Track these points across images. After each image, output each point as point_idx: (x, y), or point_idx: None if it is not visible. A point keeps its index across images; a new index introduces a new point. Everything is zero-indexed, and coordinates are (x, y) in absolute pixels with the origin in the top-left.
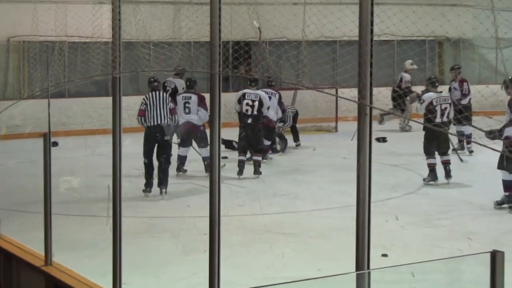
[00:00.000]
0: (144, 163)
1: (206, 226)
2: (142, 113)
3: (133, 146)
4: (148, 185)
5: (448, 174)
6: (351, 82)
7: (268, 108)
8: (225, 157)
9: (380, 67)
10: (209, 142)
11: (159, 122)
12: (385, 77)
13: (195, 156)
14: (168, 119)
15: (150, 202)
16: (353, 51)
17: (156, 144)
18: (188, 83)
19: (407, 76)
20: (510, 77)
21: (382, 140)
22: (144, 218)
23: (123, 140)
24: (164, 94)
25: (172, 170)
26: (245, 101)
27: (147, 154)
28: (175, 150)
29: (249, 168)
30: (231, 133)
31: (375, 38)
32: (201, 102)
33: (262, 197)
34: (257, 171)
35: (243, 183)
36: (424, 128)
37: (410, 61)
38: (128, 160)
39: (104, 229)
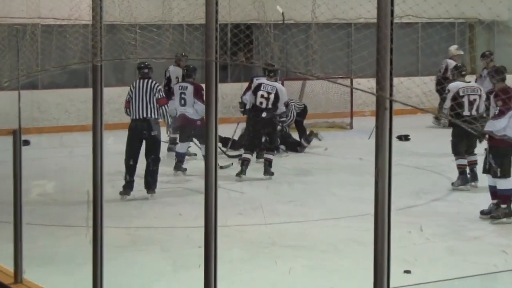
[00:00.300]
0: (125, 162)
1: (201, 238)
2: (127, 105)
3: (116, 145)
4: (127, 187)
5: (475, 177)
6: (368, 71)
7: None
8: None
9: (401, 53)
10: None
11: (144, 115)
12: (408, 65)
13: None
14: (155, 112)
15: (136, 210)
16: (370, 35)
17: (144, 142)
18: (186, 71)
19: (453, 63)
20: (494, 64)
21: (405, 138)
22: (129, 229)
23: (105, 139)
24: (153, 82)
25: (166, 167)
26: (260, 93)
27: (130, 152)
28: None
29: (248, 169)
30: (230, 130)
31: (396, 20)
32: (197, 93)
33: (265, 204)
34: (268, 172)
35: (243, 187)
36: (451, 124)
37: (456, 46)
38: (111, 162)
39: (83, 241)
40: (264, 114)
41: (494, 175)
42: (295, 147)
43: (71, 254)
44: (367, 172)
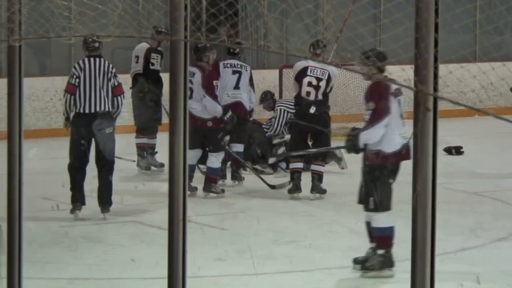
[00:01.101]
0: (69, 168)
1: None
2: (72, 90)
3: (41, 160)
4: (77, 199)
5: None
6: (403, 56)
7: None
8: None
9: (451, 31)
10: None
11: (97, 108)
12: (460, 47)
13: None
14: (109, 103)
15: (69, 253)
16: (406, 5)
17: (94, 142)
18: (195, 51)
19: None
20: (370, 49)
21: (456, 151)
22: (60, 280)
23: (24, 151)
24: (106, 63)
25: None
26: (306, 80)
27: (76, 155)
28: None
29: (232, 194)
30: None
31: None
32: (208, 84)
33: (255, 245)
34: (318, 189)
35: (224, 221)
36: None
37: None
38: (33, 184)
39: None
40: (312, 110)
41: (366, 208)
42: None
43: None
44: (400, 199)
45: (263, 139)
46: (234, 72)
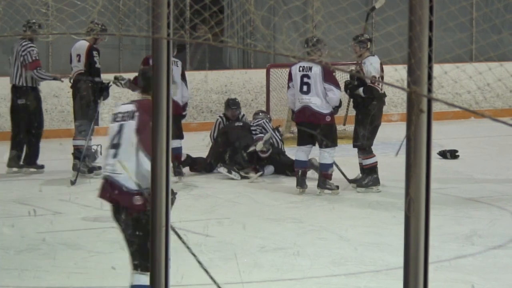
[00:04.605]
0: None
1: None
2: None
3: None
4: None
5: None
6: (395, 56)
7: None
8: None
9: (446, 29)
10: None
11: None
12: (455, 47)
13: None
14: None
15: (45, 259)
16: (399, 2)
17: None
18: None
19: None
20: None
21: (451, 155)
22: None
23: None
24: None
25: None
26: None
27: None
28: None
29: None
30: (190, 143)
31: None
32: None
33: (241, 252)
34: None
35: (209, 227)
36: None
37: None
38: (9, 188)
39: None
40: None
41: None
42: (283, 168)
43: None
44: (392, 205)
45: (249, 143)
46: None
